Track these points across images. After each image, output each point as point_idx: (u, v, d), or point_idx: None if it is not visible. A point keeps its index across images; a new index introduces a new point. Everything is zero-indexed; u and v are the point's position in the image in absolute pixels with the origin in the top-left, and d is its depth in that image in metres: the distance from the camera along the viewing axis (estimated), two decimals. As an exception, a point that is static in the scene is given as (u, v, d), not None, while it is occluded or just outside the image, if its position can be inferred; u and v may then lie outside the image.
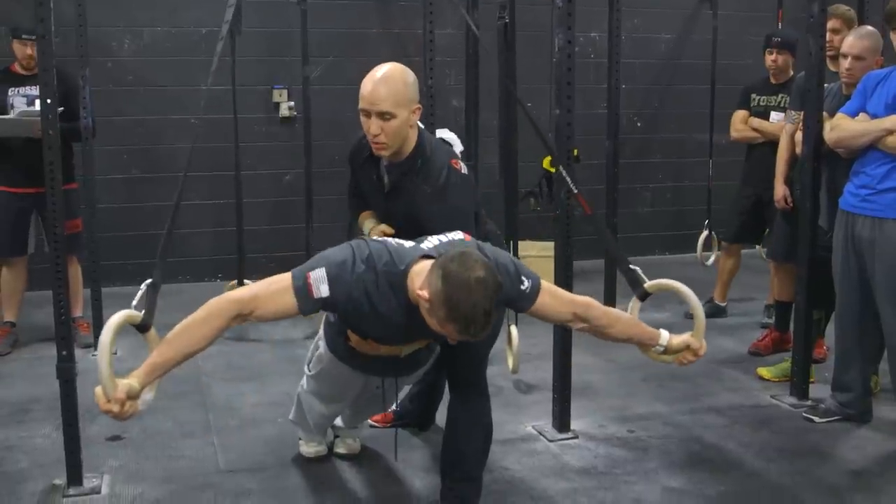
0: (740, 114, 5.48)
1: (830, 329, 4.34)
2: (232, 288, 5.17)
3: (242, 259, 5.48)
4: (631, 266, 3.13)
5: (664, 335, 2.87)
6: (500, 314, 3.13)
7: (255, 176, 6.59)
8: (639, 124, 7.77)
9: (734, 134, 5.54)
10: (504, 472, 3.51)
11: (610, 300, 5.22)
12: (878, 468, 3.59)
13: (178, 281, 6.39)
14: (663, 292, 3.10)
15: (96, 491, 3.32)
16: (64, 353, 3.25)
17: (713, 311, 5.81)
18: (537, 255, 5.82)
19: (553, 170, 3.74)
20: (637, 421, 4.06)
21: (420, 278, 2.46)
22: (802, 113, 4.29)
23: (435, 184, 2.96)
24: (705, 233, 6.40)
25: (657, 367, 3.72)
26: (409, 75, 2.93)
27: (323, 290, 2.49)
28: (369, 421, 3.83)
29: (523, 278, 2.64)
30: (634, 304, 3.10)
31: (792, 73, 5.26)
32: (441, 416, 3.75)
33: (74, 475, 3.32)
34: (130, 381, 2.37)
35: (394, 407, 3.62)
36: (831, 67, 4.33)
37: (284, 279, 2.52)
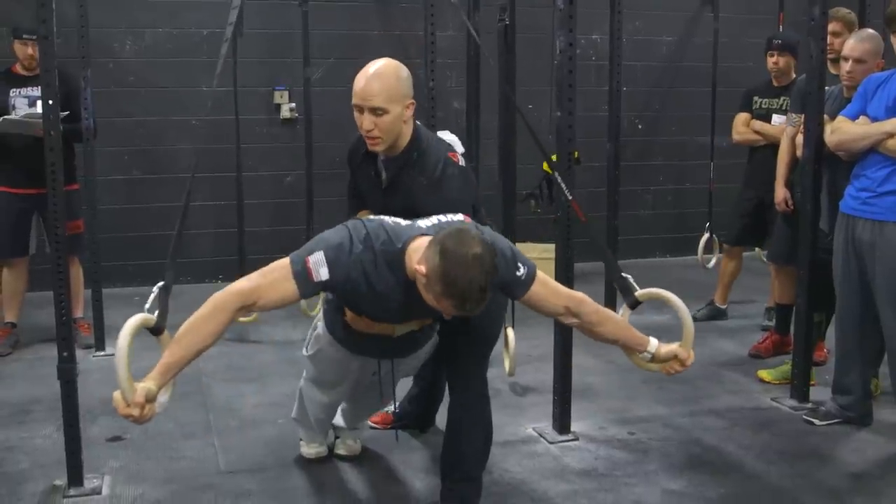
0: (742, 116, 5.48)
1: (831, 332, 4.35)
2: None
3: (244, 260, 5.48)
4: (623, 274, 3.14)
5: (653, 343, 2.88)
6: (501, 309, 3.14)
7: (256, 177, 6.60)
8: (640, 127, 7.78)
9: (736, 137, 5.54)
10: (504, 474, 3.51)
11: (610, 303, 5.23)
12: (879, 471, 3.58)
13: (180, 282, 6.31)
14: (653, 302, 3.09)
15: (97, 492, 3.32)
16: (65, 353, 3.25)
17: (714, 314, 5.82)
18: (538, 257, 5.76)
19: (552, 171, 3.74)
20: (637, 423, 4.06)
21: (417, 254, 2.49)
22: (803, 116, 4.29)
23: (431, 176, 2.98)
24: (706, 235, 6.40)
25: (657, 370, 3.72)
26: (403, 71, 2.95)
27: (322, 272, 2.52)
28: (369, 422, 3.83)
29: (519, 264, 2.67)
30: (625, 311, 3.11)
31: (794, 75, 5.26)
32: (441, 418, 3.76)
33: (75, 476, 3.32)
34: (147, 385, 2.39)
35: (394, 409, 3.63)
36: (832, 70, 4.33)
37: (283, 266, 2.55)
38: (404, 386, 3.85)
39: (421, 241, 2.55)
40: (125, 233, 6.51)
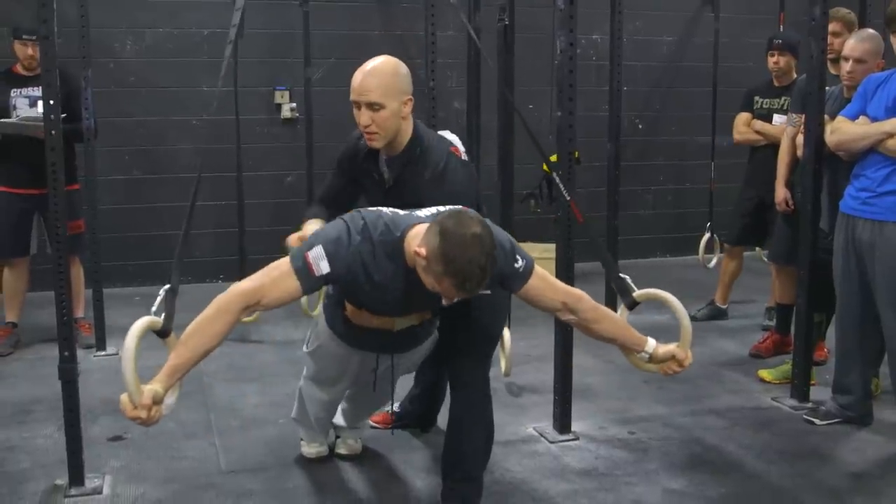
0: (743, 116, 5.48)
1: (831, 332, 4.35)
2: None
3: (244, 260, 5.49)
4: (621, 275, 3.14)
5: (650, 343, 2.88)
6: (503, 308, 3.13)
7: (256, 177, 6.60)
8: (640, 127, 7.78)
9: (737, 136, 5.54)
10: (505, 474, 3.51)
11: (610, 302, 5.22)
12: (879, 471, 3.59)
13: (181, 282, 6.35)
14: (652, 302, 3.09)
15: (98, 491, 3.32)
16: (66, 353, 3.26)
17: (714, 314, 5.82)
18: (538, 256, 5.72)
19: (553, 172, 3.74)
20: (638, 422, 4.06)
21: (416, 240, 2.51)
22: (803, 116, 4.29)
23: (435, 169, 2.99)
24: (707, 235, 6.40)
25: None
26: (401, 67, 2.96)
27: (323, 266, 2.54)
28: (370, 422, 3.83)
29: (518, 257, 2.69)
30: (623, 312, 3.11)
31: (795, 75, 5.26)
32: (442, 418, 3.76)
33: (76, 475, 3.32)
34: (154, 387, 2.41)
35: (391, 408, 3.63)
36: (832, 70, 4.33)
37: (284, 264, 2.58)
38: (405, 385, 3.85)
39: (419, 227, 2.57)
40: (126, 233, 6.52)
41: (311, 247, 2.57)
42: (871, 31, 4.20)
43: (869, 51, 4.03)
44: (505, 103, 4.97)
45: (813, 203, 4.11)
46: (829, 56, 4.27)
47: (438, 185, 2.97)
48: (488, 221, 2.62)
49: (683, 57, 7.74)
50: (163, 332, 2.63)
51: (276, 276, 2.56)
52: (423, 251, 2.44)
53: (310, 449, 3.63)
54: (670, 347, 2.89)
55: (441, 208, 2.69)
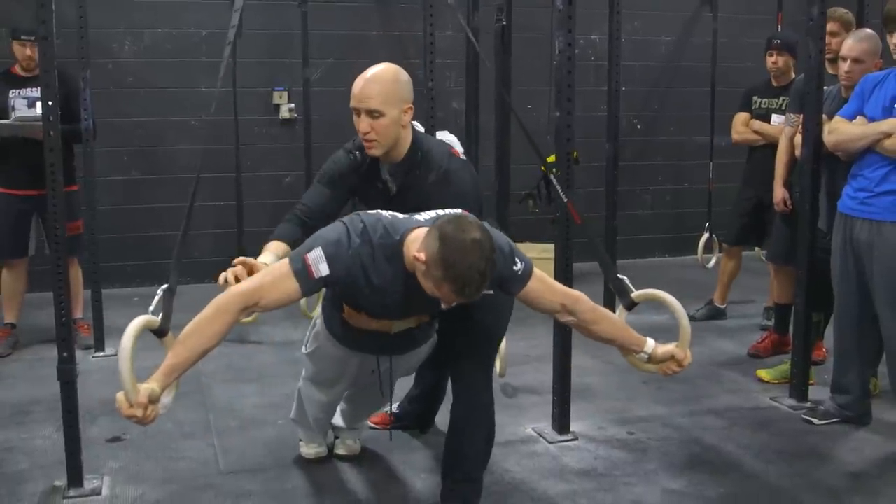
0: (741, 116, 5.48)
1: (830, 331, 4.35)
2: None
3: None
4: (619, 276, 3.15)
5: (649, 343, 2.88)
6: (506, 309, 3.13)
7: (255, 177, 6.60)
8: (639, 127, 7.78)
9: (735, 136, 5.55)
10: (504, 474, 3.51)
11: (609, 303, 5.21)
12: (877, 470, 3.59)
13: (180, 282, 6.35)
14: (650, 302, 3.09)
15: (97, 492, 3.32)
16: (64, 354, 3.25)
17: (713, 314, 5.82)
18: (537, 257, 5.74)
19: (554, 171, 3.75)
20: (637, 423, 4.06)
21: (416, 244, 2.51)
22: (801, 116, 4.29)
23: (439, 171, 2.99)
24: (706, 235, 6.41)
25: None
26: (402, 75, 2.96)
27: (322, 269, 2.54)
28: (369, 423, 3.83)
29: (517, 260, 2.68)
30: (621, 313, 3.11)
31: (793, 75, 5.26)
32: (441, 419, 3.77)
33: (75, 476, 3.32)
34: (151, 386, 2.40)
35: (390, 409, 3.63)
36: (830, 70, 4.33)
37: (283, 266, 2.58)
38: (404, 386, 3.86)
39: (419, 231, 2.57)
40: (124, 233, 6.52)
41: (310, 249, 2.56)
42: (868, 31, 4.21)
43: (867, 51, 4.04)
44: (502, 104, 4.97)
45: (811, 203, 4.11)
46: (827, 56, 4.27)
47: (444, 186, 2.97)
48: (487, 225, 2.62)
49: (682, 57, 7.74)
50: (160, 332, 2.64)
51: (275, 277, 2.56)
52: (422, 256, 2.44)
53: (308, 450, 3.63)
54: (669, 348, 2.89)
55: (441, 212, 2.69)
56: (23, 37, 4.92)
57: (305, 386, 3.47)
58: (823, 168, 4.11)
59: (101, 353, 5.01)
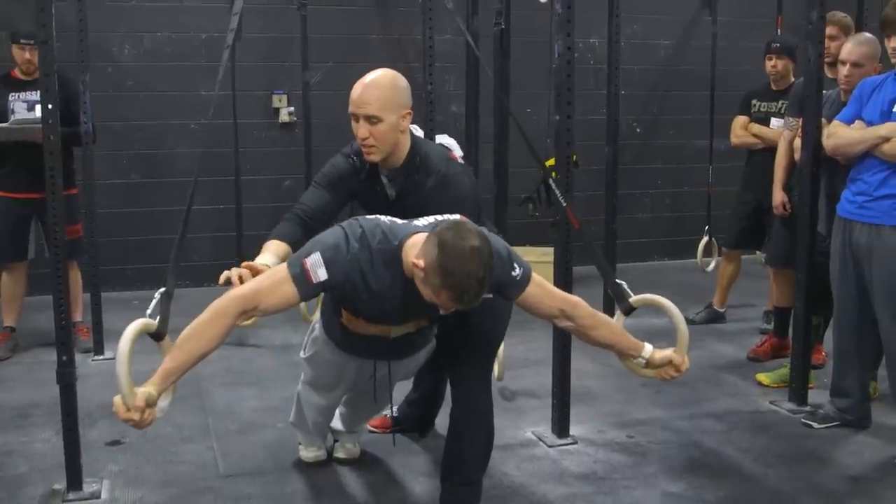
0: (740, 119, 5.49)
1: (829, 335, 4.35)
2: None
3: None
4: (617, 280, 3.15)
5: (647, 348, 2.87)
6: (505, 313, 3.13)
7: (254, 181, 6.60)
8: (638, 130, 7.79)
9: (734, 139, 5.55)
10: (503, 478, 3.51)
11: (608, 307, 5.22)
12: (877, 474, 3.59)
13: (179, 286, 6.33)
14: (649, 307, 3.09)
15: (96, 496, 3.32)
16: (64, 357, 3.25)
17: (712, 317, 5.82)
18: (537, 260, 5.81)
19: (553, 174, 3.75)
20: (636, 426, 4.06)
21: (414, 250, 2.50)
22: (800, 119, 4.30)
23: (437, 175, 2.99)
24: (705, 238, 6.41)
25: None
26: (400, 80, 2.95)
27: (321, 273, 2.53)
28: (368, 426, 3.83)
29: (515, 265, 2.68)
30: (619, 318, 3.10)
31: (792, 79, 5.26)
32: (440, 422, 3.77)
33: (74, 480, 3.31)
34: (148, 389, 2.40)
35: (393, 412, 3.63)
36: (829, 74, 4.34)
37: (281, 270, 2.57)
38: (403, 389, 3.85)
39: (417, 237, 2.56)
40: (124, 237, 6.51)
41: (309, 253, 2.56)
42: (868, 34, 4.21)
43: (866, 54, 4.04)
44: (501, 107, 4.98)
45: (811, 206, 4.11)
46: (827, 60, 4.28)
47: (442, 191, 2.97)
48: (486, 231, 2.62)
49: (681, 60, 7.75)
50: (157, 335, 2.63)
51: (273, 281, 2.55)
52: (421, 263, 2.43)
53: (308, 453, 3.63)
54: (667, 353, 2.88)
55: (440, 217, 2.69)
56: (22, 40, 4.92)
57: (304, 390, 3.47)
58: (823, 171, 4.11)
59: (101, 357, 5.01)
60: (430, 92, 4.30)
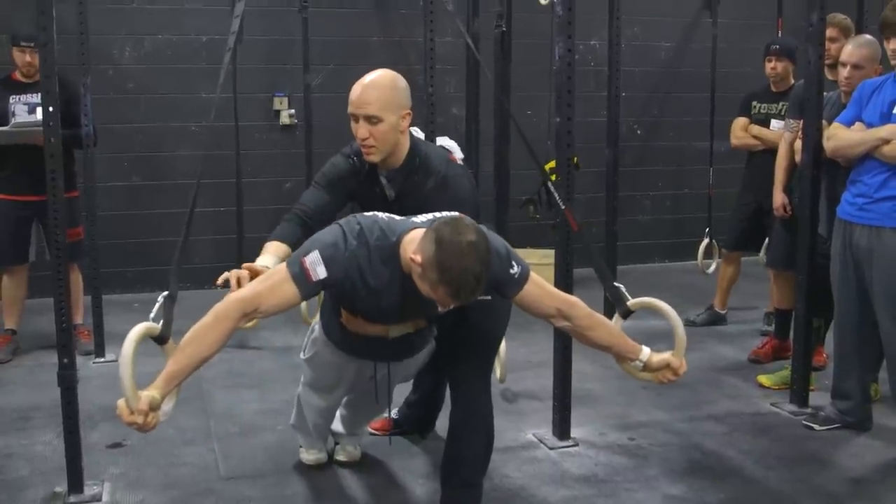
0: (740, 121, 5.49)
1: (830, 337, 4.35)
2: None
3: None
4: (615, 283, 3.15)
5: (645, 351, 2.87)
6: (504, 313, 3.13)
7: (255, 183, 6.60)
8: (639, 132, 7.79)
9: (734, 141, 5.56)
10: (504, 480, 3.51)
11: (608, 309, 5.21)
12: (878, 476, 3.59)
13: (180, 288, 6.35)
14: (647, 310, 3.09)
15: (97, 498, 3.32)
16: (65, 360, 3.25)
17: (713, 319, 5.82)
18: (537, 262, 5.83)
19: (553, 177, 3.76)
20: (637, 428, 4.06)
21: (412, 246, 2.51)
22: (801, 121, 4.30)
23: (437, 176, 3.00)
24: (706, 240, 6.41)
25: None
26: (400, 81, 2.96)
27: (320, 272, 2.54)
28: (369, 428, 3.83)
29: (513, 262, 2.68)
30: (617, 320, 3.10)
31: (792, 80, 5.27)
32: (441, 424, 3.76)
33: (75, 482, 3.31)
34: (152, 393, 2.40)
35: (388, 415, 3.63)
36: (829, 76, 4.34)
37: (281, 270, 2.58)
38: (403, 391, 3.86)
39: (415, 233, 2.57)
40: (125, 239, 6.52)
41: (307, 252, 2.56)
42: (868, 36, 4.22)
43: (866, 56, 4.04)
44: (502, 110, 4.98)
45: (811, 208, 4.11)
46: (827, 62, 4.28)
47: (442, 192, 2.97)
48: (484, 228, 2.62)
49: (682, 62, 7.75)
50: (161, 339, 2.64)
51: (273, 282, 2.56)
52: (418, 258, 2.44)
53: (308, 456, 3.63)
54: (664, 356, 2.88)
55: (438, 214, 2.69)
56: (22, 43, 4.92)
57: (304, 391, 3.47)
58: (824, 173, 4.11)
59: (102, 359, 5.01)
60: (430, 94, 4.30)
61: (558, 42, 3.65)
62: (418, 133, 3.23)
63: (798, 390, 4.25)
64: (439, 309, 2.58)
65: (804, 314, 4.19)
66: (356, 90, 2.91)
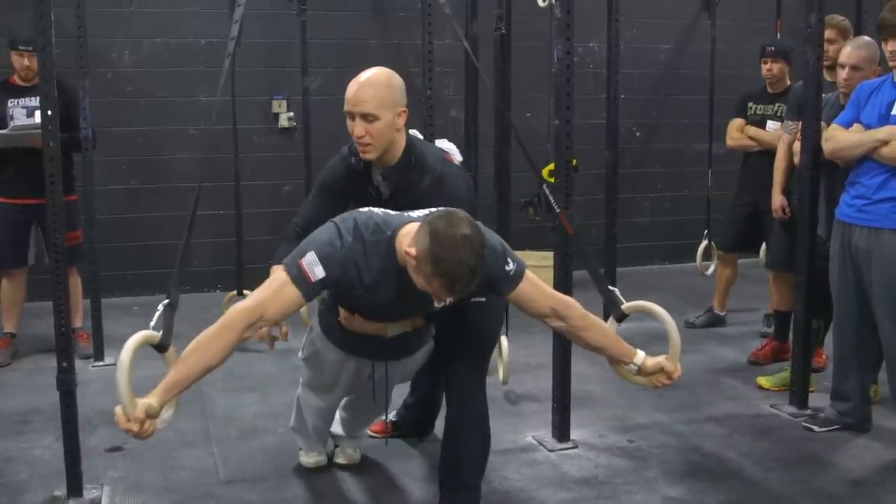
0: (736, 122, 5.50)
1: (829, 338, 4.35)
2: (231, 298, 5.18)
3: (242, 270, 5.49)
4: (609, 287, 3.15)
5: (639, 355, 2.87)
6: (499, 314, 3.13)
7: (254, 186, 6.60)
8: (638, 134, 7.79)
9: (730, 142, 5.56)
10: (503, 482, 3.51)
11: (607, 313, 5.23)
12: (878, 477, 3.59)
13: (179, 292, 6.38)
14: (641, 313, 3.09)
15: (96, 502, 3.32)
16: (64, 364, 3.25)
17: (712, 321, 5.82)
18: (536, 264, 5.81)
19: (552, 180, 3.76)
20: (637, 430, 4.06)
21: (408, 238, 2.52)
22: (800, 123, 4.30)
23: (433, 174, 3.01)
24: (705, 242, 6.41)
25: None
26: (395, 78, 2.97)
27: (318, 271, 2.55)
28: (368, 431, 3.83)
29: (509, 259, 2.69)
30: (612, 324, 3.10)
31: (788, 82, 5.28)
32: (440, 426, 3.76)
33: (74, 486, 3.31)
34: (150, 401, 2.40)
35: (385, 417, 3.63)
36: (828, 78, 4.34)
37: (280, 275, 2.58)
38: (401, 393, 3.85)
39: (411, 226, 2.58)
40: (124, 243, 6.51)
41: (304, 253, 2.57)
42: (866, 38, 4.22)
43: (865, 58, 4.05)
44: (500, 116, 4.98)
45: (810, 210, 4.12)
46: (826, 63, 4.28)
47: (437, 191, 2.98)
48: (479, 224, 2.62)
49: (680, 64, 7.75)
50: (161, 347, 2.64)
51: (274, 288, 2.56)
52: (412, 251, 2.45)
53: (308, 459, 3.63)
54: (659, 360, 2.87)
55: (433, 210, 2.69)
56: (21, 47, 4.92)
57: (303, 392, 3.47)
58: (822, 175, 4.11)
59: (101, 363, 5.00)
60: (429, 97, 4.31)
61: (557, 44, 3.65)
62: (417, 135, 3.23)
63: (797, 392, 4.25)
64: (435, 304, 2.59)
65: (803, 316, 4.19)
66: (352, 88, 2.92)
